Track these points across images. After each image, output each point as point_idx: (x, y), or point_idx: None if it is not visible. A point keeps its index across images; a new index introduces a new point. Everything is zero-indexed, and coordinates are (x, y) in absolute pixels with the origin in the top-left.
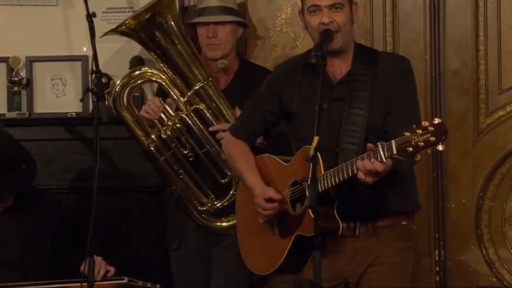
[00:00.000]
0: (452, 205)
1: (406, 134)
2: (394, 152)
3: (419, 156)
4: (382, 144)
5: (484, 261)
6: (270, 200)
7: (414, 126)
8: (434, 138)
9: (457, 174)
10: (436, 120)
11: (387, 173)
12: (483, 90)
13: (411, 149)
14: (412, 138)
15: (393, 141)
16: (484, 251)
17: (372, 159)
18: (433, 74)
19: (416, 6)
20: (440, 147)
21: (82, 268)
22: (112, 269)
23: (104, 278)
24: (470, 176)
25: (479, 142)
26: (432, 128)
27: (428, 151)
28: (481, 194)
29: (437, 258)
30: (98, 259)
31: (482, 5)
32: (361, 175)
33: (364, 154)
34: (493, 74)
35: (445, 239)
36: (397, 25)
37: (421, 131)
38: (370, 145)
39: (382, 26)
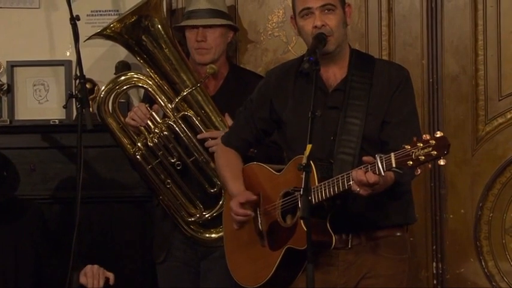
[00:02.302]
0: (451, 216)
1: (406, 147)
2: (393, 165)
3: (419, 171)
4: (380, 157)
5: (484, 274)
6: (243, 204)
7: (415, 139)
8: (436, 152)
9: (456, 184)
10: (438, 134)
11: (389, 187)
12: (482, 97)
13: (411, 162)
14: (413, 152)
15: (392, 154)
16: (483, 263)
17: (365, 170)
18: (431, 80)
19: (413, 9)
20: (441, 162)
21: (82, 280)
22: (111, 275)
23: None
24: (469, 186)
25: (478, 150)
26: (434, 142)
27: (429, 165)
28: (480, 204)
29: (435, 271)
30: (95, 268)
31: (482, 9)
32: (354, 186)
33: (362, 166)
34: (492, 80)
35: (443, 251)
36: (393, 29)
37: (422, 144)
38: (367, 158)
39: (377, 30)
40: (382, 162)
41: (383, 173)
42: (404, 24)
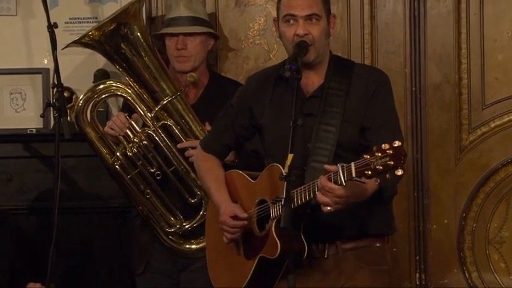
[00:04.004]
0: (434, 226)
1: (365, 156)
2: (353, 175)
3: (378, 180)
4: (342, 166)
5: (467, 285)
6: (235, 218)
7: (374, 148)
8: (392, 163)
9: (439, 194)
10: (396, 143)
11: (371, 195)
12: (466, 106)
13: (370, 172)
14: (371, 162)
15: (353, 164)
16: (467, 274)
17: (327, 178)
18: (413, 89)
19: (395, 17)
20: (399, 172)
21: None
22: None
23: None
24: (452, 196)
25: (462, 160)
26: (391, 152)
27: (387, 175)
28: (464, 215)
29: (418, 282)
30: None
31: (465, 17)
32: (322, 200)
33: (325, 175)
34: (476, 89)
35: (426, 262)
36: (375, 37)
37: (380, 154)
38: (329, 166)
39: (359, 38)
40: (343, 172)
41: (344, 183)
42: (387, 32)
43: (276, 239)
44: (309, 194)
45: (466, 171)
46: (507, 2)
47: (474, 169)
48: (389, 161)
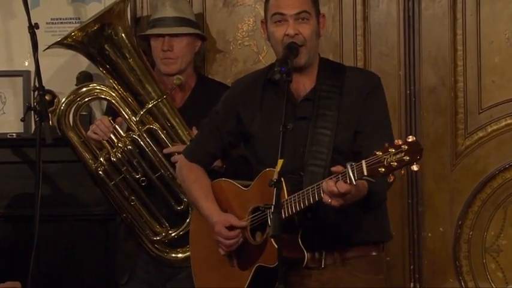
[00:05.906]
0: (429, 234)
1: (377, 153)
2: (365, 173)
3: (392, 178)
4: (351, 165)
5: None
6: (231, 228)
7: (386, 144)
8: (408, 158)
9: (434, 201)
10: (410, 138)
11: (363, 197)
12: (462, 109)
13: (383, 169)
14: (384, 158)
15: (363, 162)
16: (463, 284)
17: (335, 180)
18: (408, 92)
19: (389, 17)
20: (414, 168)
21: None
22: None
23: None
24: (448, 203)
25: (458, 165)
26: (406, 147)
27: (402, 171)
28: (460, 222)
29: None
30: None
31: (461, 17)
32: (325, 198)
33: (333, 176)
34: (472, 92)
35: (421, 271)
36: (368, 38)
37: (394, 150)
38: (336, 168)
39: (352, 39)
40: (353, 171)
41: (354, 182)
42: (380, 33)
43: (275, 246)
44: (313, 197)
45: (462, 177)
46: (504, 2)
47: (470, 175)
48: (404, 156)
